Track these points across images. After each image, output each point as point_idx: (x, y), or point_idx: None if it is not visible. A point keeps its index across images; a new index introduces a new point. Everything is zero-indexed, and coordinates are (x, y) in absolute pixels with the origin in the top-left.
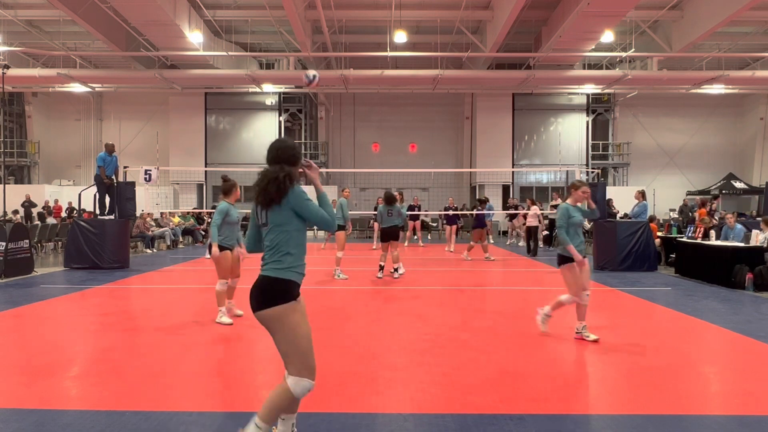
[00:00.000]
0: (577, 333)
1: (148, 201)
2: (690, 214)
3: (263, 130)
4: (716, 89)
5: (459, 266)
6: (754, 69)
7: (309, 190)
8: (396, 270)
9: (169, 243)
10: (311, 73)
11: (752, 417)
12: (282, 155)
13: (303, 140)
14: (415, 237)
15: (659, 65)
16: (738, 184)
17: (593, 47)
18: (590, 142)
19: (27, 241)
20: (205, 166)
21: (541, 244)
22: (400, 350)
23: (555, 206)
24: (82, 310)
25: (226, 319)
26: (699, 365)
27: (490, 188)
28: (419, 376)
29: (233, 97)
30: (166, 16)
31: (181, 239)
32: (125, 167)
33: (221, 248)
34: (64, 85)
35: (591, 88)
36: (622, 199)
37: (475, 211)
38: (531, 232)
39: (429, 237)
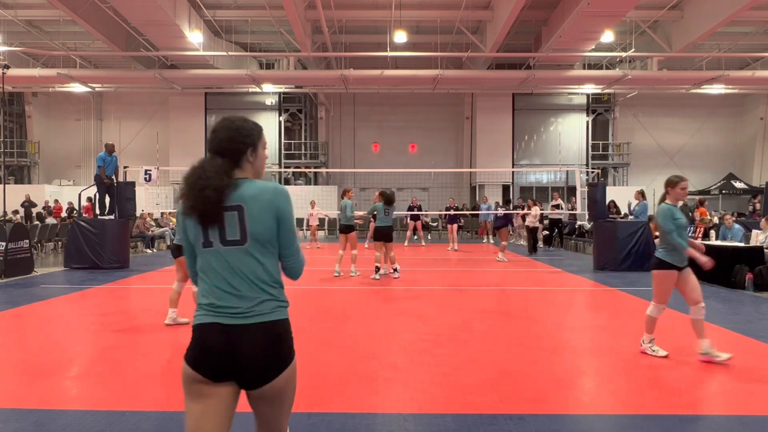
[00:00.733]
0: (643, 346)
1: (148, 201)
2: (690, 214)
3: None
4: (716, 89)
5: (459, 266)
6: (754, 69)
7: (310, 191)
8: (395, 270)
9: (169, 243)
10: None
11: (752, 417)
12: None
13: (303, 140)
14: (416, 237)
15: (659, 65)
16: (738, 184)
17: (593, 47)
18: (590, 142)
19: (27, 241)
20: None
21: (540, 244)
22: (400, 350)
23: (556, 206)
24: (82, 310)
25: (182, 319)
26: (699, 365)
27: (490, 188)
28: (419, 376)
29: (233, 97)
30: (166, 16)
31: None
32: (125, 167)
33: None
34: (64, 85)
35: (591, 88)
36: (622, 199)
37: (502, 211)
38: (531, 232)
39: (429, 237)
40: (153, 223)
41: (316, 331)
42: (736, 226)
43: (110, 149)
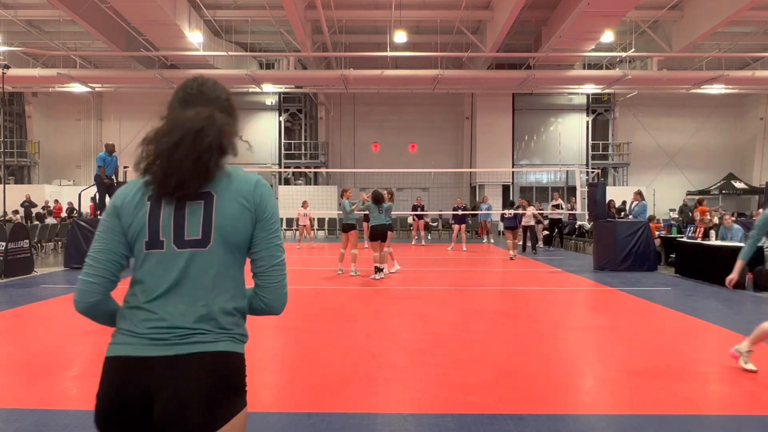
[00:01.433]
0: (736, 352)
1: None
2: (690, 214)
3: (263, 130)
4: (716, 89)
5: (459, 266)
6: (754, 69)
7: (310, 191)
8: (378, 270)
9: None
10: None
11: (752, 417)
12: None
13: (303, 140)
14: (417, 237)
15: (659, 65)
16: (738, 184)
17: (593, 47)
18: (590, 142)
19: (27, 241)
20: None
21: (540, 244)
22: (400, 350)
23: (556, 206)
24: None
25: None
26: (699, 365)
27: (490, 188)
28: (419, 376)
29: (233, 97)
30: (166, 16)
31: None
32: (125, 167)
33: None
34: (64, 85)
35: (591, 88)
36: (622, 199)
37: (512, 212)
38: (527, 231)
39: (429, 237)
40: None
41: (316, 331)
42: (736, 226)
43: (110, 149)
